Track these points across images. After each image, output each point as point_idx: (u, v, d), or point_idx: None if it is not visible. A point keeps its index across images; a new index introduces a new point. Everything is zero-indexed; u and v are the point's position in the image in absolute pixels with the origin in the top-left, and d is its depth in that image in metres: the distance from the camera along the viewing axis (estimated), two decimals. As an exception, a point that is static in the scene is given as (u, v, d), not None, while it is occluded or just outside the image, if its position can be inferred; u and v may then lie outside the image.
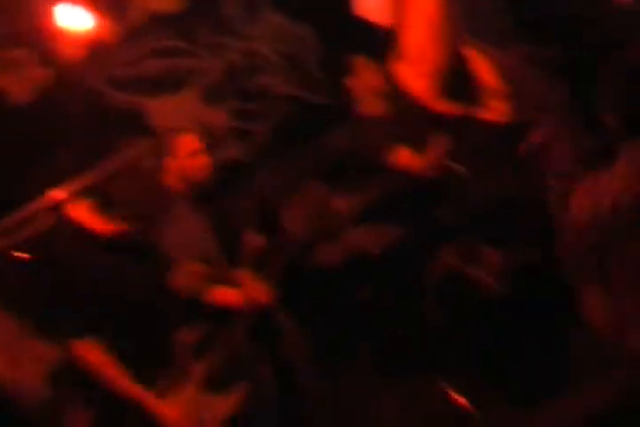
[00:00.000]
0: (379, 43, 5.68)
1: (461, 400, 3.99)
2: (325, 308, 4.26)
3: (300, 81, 6.07)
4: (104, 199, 3.87)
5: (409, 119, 5.19)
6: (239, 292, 4.03)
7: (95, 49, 5.58)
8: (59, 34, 5.52)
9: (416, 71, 5.20)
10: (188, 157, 4.30)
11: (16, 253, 4.12)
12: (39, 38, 5.54)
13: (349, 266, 4.46)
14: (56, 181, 4.61)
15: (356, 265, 4.51)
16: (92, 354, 3.60)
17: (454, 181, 4.64)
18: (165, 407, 3.60)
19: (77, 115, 5.51)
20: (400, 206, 4.92)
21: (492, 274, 4.19)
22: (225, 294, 4.07)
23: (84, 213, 3.84)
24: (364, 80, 5.23)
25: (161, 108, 5.68)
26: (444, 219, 4.52)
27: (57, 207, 4.25)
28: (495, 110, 4.77)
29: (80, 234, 3.83)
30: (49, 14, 5.43)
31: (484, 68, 4.84)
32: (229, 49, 5.94)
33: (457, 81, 5.14)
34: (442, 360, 4.30)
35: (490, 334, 4.22)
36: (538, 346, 4.10)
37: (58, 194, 4.46)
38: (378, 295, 4.54)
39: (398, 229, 4.79)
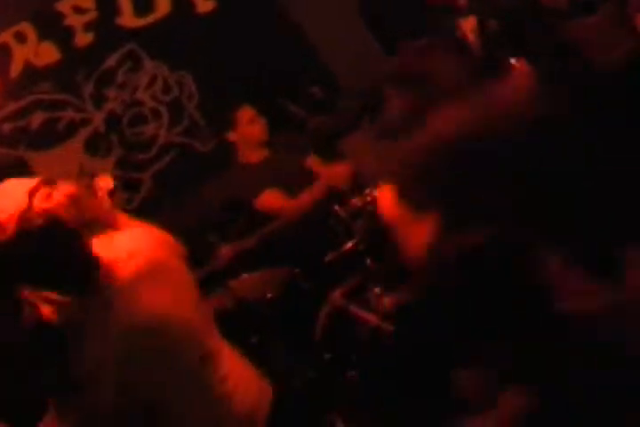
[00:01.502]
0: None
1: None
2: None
3: (183, 130, 6.21)
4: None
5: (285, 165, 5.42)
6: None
7: None
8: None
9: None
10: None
11: None
12: None
13: (240, 313, 4.53)
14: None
15: (246, 312, 4.58)
16: None
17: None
18: None
19: None
20: (286, 250, 5.13)
21: (380, 315, 4.27)
22: None
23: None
24: (244, 129, 5.34)
25: (45, 161, 5.73)
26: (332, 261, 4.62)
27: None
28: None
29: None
30: None
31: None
32: (111, 99, 6.01)
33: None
34: (332, 401, 4.40)
35: (377, 373, 4.32)
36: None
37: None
38: (268, 342, 4.60)
39: (286, 273, 4.92)
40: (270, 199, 5.25)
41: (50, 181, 2.69)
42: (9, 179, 3.48)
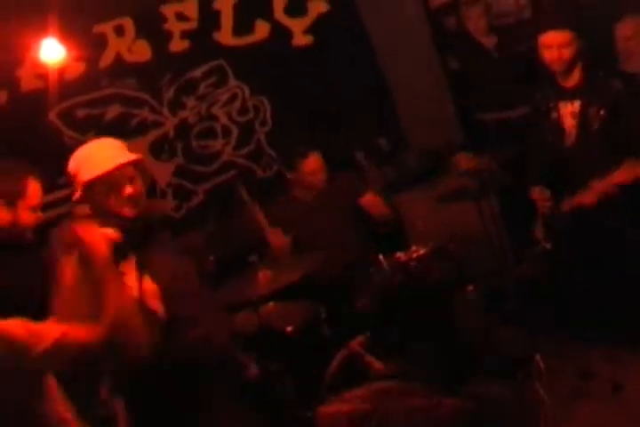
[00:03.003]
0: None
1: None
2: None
3: (248, 152, 6.35)
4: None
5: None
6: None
7: (59, 82, 5.67)
8: (26, 60, 5.66)
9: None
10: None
11: None
12: (4, 61, 5.66)
13: (261, 337, 4.61)
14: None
15: (267, 337, 4.67)
16: None
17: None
18: None
19: (23, 142, 5.57)
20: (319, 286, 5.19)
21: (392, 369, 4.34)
22: None
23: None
24: (305, 177, 5.45)
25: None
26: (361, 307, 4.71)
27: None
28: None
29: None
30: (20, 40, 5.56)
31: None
32: (188, 108, 6.14)
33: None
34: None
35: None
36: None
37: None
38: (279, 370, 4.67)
39: (311, 310, 4.99)
40: (278, 238, 5.35)
41: None
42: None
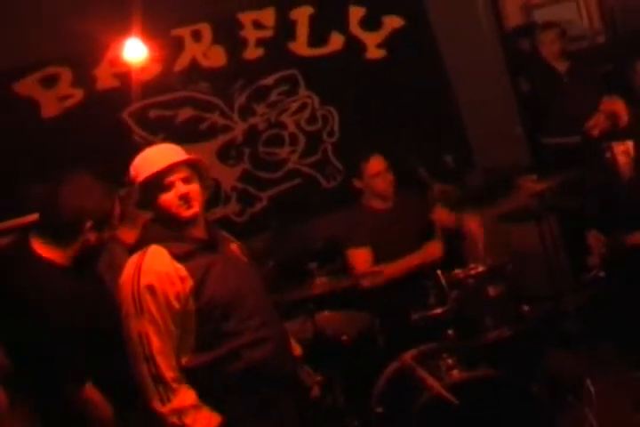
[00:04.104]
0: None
1: None
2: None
3: (314, 162, 6.45)
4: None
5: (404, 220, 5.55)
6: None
7: (134, 82, 5.85)
8: (104, 59, 5.84)
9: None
10: None
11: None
12: (82, 60, 5.84)
13: (316, 345, 4.70)
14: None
15: (322, 345, 4.74)
16: None
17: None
18: None
19: (95, 139, 5.77)
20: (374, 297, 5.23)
21: (445, 385, 4.36)
22: None
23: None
24: (370, 181, 5.46)
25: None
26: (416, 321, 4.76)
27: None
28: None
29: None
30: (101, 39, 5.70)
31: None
32: (258, 115, 6.25)
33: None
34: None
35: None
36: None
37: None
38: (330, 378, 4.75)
39: (367, 320, 5.05)
40: (361, 257, 5.39)
41: None
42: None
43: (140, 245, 3.52)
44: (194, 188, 3.55)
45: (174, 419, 3.32)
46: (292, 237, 5.96)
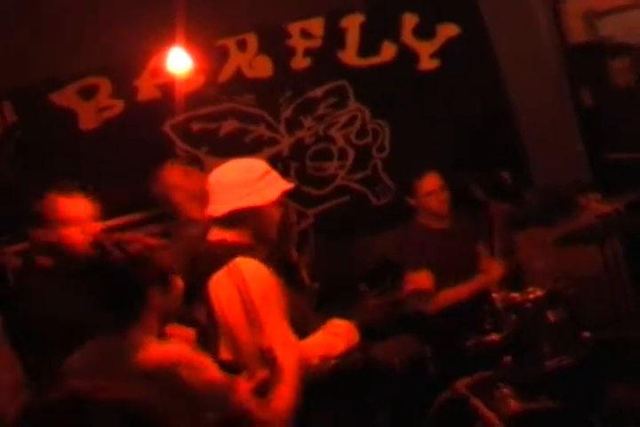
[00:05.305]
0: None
1: None
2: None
3: (363, 178, 6.31)
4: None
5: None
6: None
7: (177, 94, 5.78)
8: (147, 69, 5.78)
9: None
10: None
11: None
12: (123, 70, 5.79)
13: (365, 371, 4.57)
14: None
15: (371, 371, 4.63)
16: None
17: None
18: None
19: (135, 153, 5.73)
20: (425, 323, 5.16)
21: (502, 415, 4.19)
22: None
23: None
24: (424, 199, 5.36)
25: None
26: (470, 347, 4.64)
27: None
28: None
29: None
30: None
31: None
32: (305, 128, 6.14)
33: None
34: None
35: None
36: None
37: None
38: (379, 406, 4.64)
39: (418, 347, 4.96)
40: (421, 280, 5.27)
41: None
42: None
43: None
44: None
45: None
46: (339, 256, 5.85)
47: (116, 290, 3.15)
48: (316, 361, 3.44)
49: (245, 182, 3.62)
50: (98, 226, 3.90)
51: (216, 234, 3.69)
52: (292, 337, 3.44)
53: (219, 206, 3.64)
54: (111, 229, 4.36)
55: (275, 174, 3.76)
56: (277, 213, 3.70)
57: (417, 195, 5.37)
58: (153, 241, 3.81)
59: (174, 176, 4.98)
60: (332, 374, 3.67)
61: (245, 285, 3.41)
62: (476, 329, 4.64)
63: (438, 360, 4.85)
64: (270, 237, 3.72)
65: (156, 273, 3.22)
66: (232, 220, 3.63)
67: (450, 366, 4.78)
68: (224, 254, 3.55)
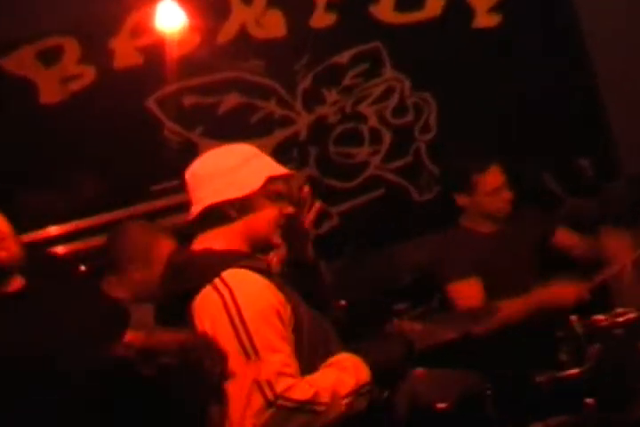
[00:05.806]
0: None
1: None
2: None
3: (403, 166, 6.23)
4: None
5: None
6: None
7: (164, 59, 5.77)
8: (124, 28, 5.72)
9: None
10: None
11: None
12: (94, 29, 5.71)
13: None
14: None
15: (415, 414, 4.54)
16: None
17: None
18: None
19: (111, 133, 5.74)
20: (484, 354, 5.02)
21: None
22: None
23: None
24: (482, 198, 5.31)
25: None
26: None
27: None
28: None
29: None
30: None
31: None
32: (328, 104, 6.08)
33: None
34: None
35: None
36: None
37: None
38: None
39: (474, 384, 4.86)
40: (468, 291, 5.25)
41: None
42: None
43: None
44: None
45: None
46: (372, 267, 5.79)
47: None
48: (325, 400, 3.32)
49: (223, 172, 3.50)
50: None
51: (200, 242, 3.60)
52: (294, 370, 3.36)
53: (194, 207, 3.56)
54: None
55: (265, 159, 3.62)
56: (273, 209, 3.58)
57: (475, 192, 5.31)
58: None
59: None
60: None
61: (236, 304, 3.34)
62: (550, 361, 4.60)
63: (499, 399, 4.68)
64: (269, 240, 3.63)
65: None
66: (212, 221, 3.55)
67: (515, 408, 4.63)
68: (209, 266, 3.47)
